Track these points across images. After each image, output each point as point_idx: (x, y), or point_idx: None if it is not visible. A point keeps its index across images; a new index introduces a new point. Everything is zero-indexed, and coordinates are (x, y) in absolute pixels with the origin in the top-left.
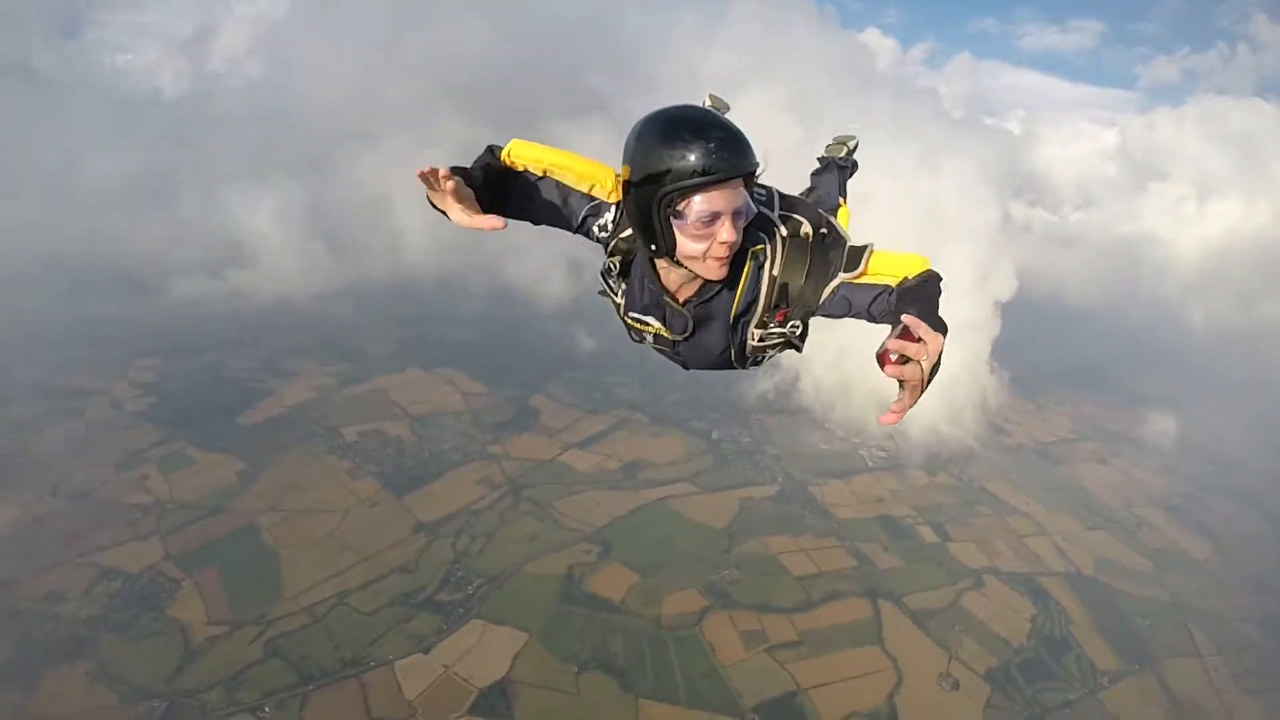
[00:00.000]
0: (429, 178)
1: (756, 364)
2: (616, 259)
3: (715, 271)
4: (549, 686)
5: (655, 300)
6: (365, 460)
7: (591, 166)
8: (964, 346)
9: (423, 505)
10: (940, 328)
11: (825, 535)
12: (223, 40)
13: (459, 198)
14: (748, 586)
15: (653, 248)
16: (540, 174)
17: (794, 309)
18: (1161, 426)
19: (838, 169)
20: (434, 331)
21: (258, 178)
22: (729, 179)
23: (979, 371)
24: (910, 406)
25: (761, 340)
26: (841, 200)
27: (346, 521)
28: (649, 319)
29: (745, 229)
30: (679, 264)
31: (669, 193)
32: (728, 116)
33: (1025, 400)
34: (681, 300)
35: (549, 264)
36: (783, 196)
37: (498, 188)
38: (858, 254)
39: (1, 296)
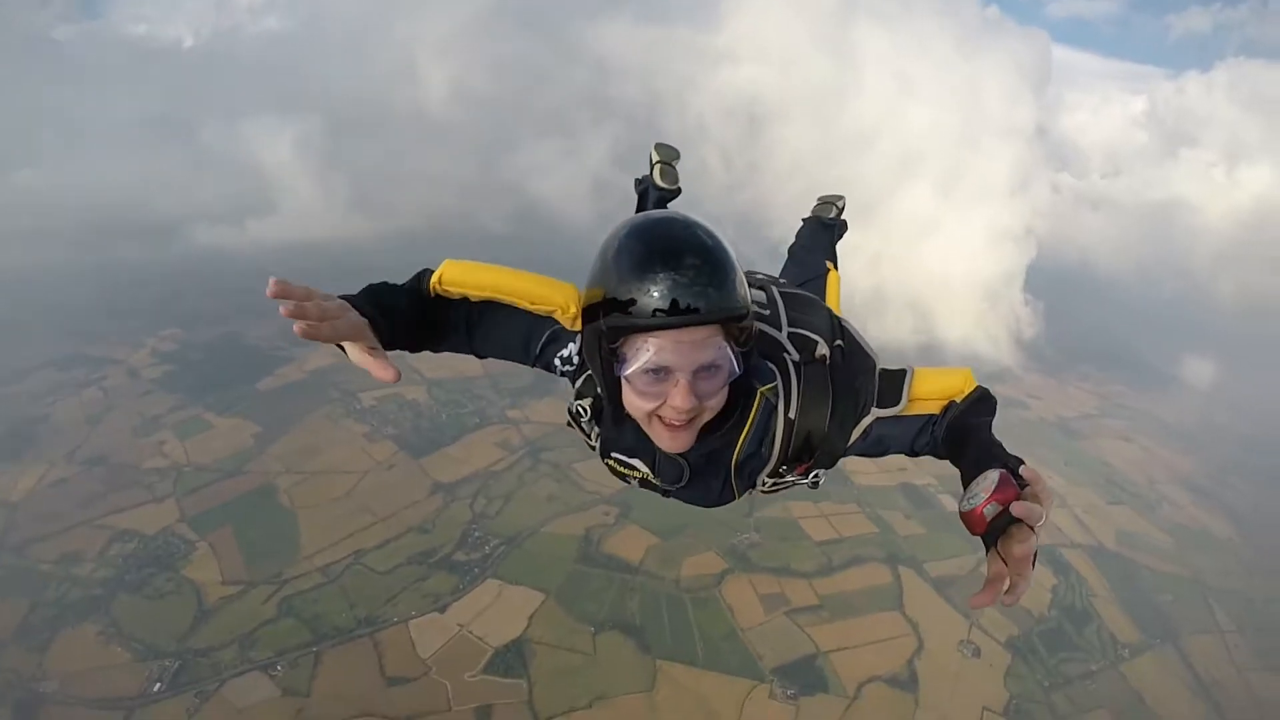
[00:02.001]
0: (300, 311)
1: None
2: (586, 401)
3: (667, 442)
4: (565, 646)
5: (640, 445)
6: (383, 423)
7: (547, 287)
8: (1001, 259)
9: (440, 467)
10: (1017, 469)
11: (846, 501)
12: None
13: (346, 334)
14: (768, 550)
15: (603, 395)
16: (483, 300)
17: (818, 459)
18: (1186, 405)
19: (825, 229)
20: None
21: (278, 112)
22: (687, 324)
23: (1013, 297)
24: (1024, 588)
25: (774, 487)
26: (830, 265)
27: (364, 483)
28: (635, 462)
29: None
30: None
31: (609, 329)
32: (678, 168)
33: (1048, 376)
34: None
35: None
36: (787, 299)
37: (430, 319)
38: (895, 384)
39: (22, 260)
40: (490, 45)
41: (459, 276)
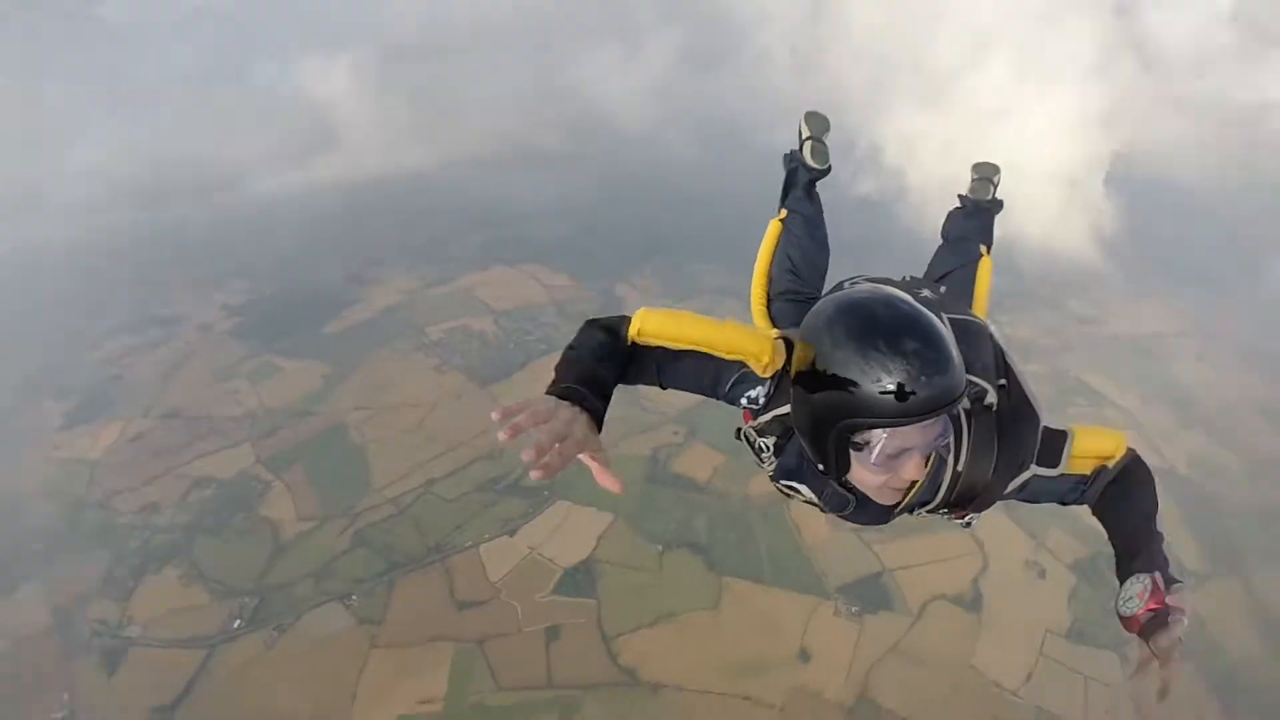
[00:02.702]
0: (538, 452)
1: None
2: (770, 440)
3: (888, 499)
4: (633, 566)
5: (815, 478)
6: (451, 355)
7: (744, 338)
8: (1082, 145)
9: (509, 395)
10: (1159, 553)
11: None
12: None
13: (577, 452)
14: None
15: (820, 467)
16: (677, 350)
17: (977, 506)
18: (1268, 326)
19: (982, 211)
20: (517, 230)
21: (330, 47)
22: (931, 417)
23: (1094, 189)
24: (1174, 677)
25: (927, 517)
26: (984, 249)
27: (433, 415)
28: (803, 489)
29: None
30: None
31: (853, 425)
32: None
33: (1125, 293)
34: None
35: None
36: (956, 332)
37: (625, 365)
38: (1055, 446)
39: (88, 232)
40: None
41: (658, 329)
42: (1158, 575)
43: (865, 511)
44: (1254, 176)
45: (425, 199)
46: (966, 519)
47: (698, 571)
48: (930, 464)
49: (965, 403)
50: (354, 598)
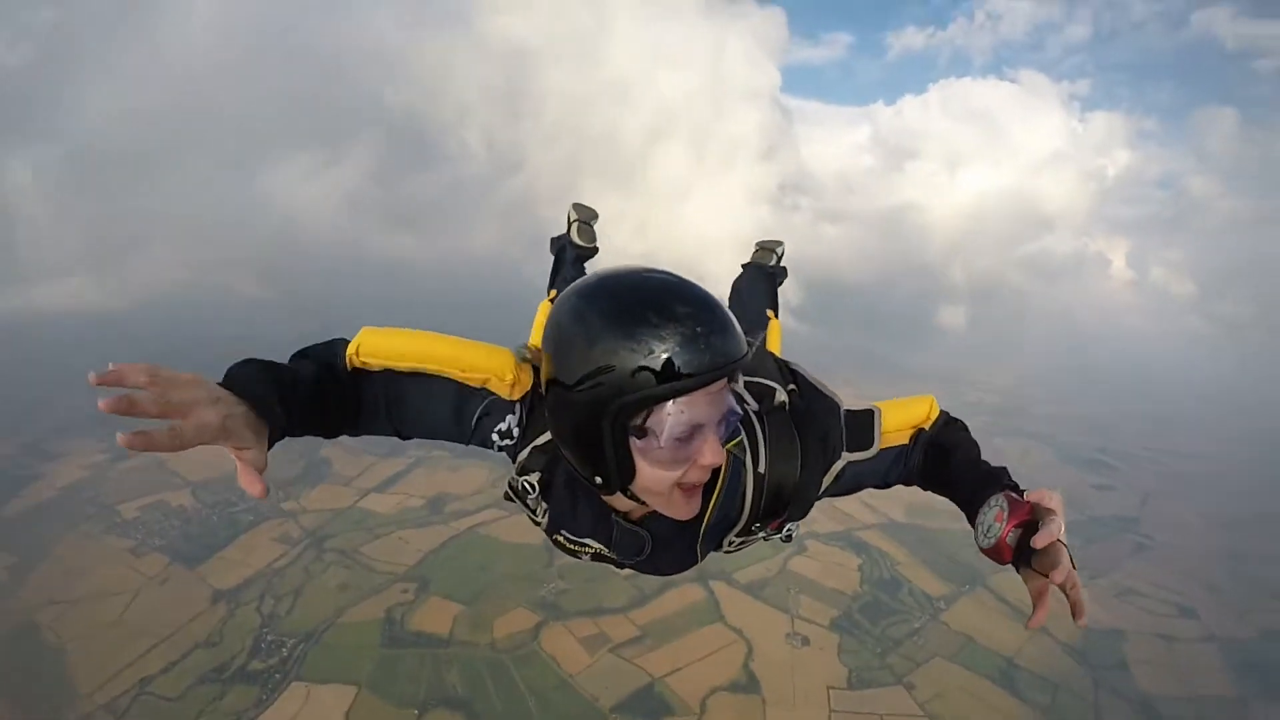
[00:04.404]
0: (127, 405)
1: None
2: (534, 477)
3: (684, 509)
4: None
5: (598, 519)
6: (149, 535)
7: (480, 353)
8: (760, 219)
9: (218, 573)
10: (1003, 473)
11: None
12: None
13: (194, 439)
14: (577, 595)
15: (597, 480)
16: (407, 373)
17: (792, 511)
18: (936, 390)
19: (765, 276)
20: None
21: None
22: (720, 377)
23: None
24: (1082, 596)
25: (740, 545)
26: (771, 314)
27: (136, 603)
28: (587, 541)
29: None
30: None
31: (630, 404)
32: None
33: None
34: (635, 517)
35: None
36: None
37: (346, 399)
38: (864, 425)
39: None
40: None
41: (379, 346)
42: (1009, 491)
43: (668, 551)
44: (903, 266)
45: (108, 348)
46: (785, 531)
47: None
48: (724, 473)
49: (753, 403)
50: None
